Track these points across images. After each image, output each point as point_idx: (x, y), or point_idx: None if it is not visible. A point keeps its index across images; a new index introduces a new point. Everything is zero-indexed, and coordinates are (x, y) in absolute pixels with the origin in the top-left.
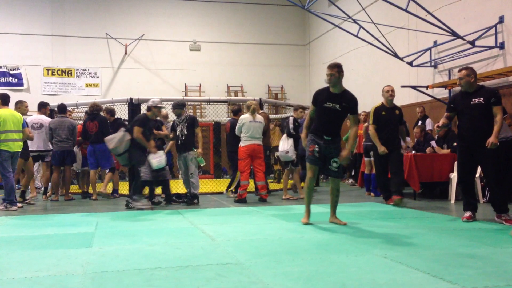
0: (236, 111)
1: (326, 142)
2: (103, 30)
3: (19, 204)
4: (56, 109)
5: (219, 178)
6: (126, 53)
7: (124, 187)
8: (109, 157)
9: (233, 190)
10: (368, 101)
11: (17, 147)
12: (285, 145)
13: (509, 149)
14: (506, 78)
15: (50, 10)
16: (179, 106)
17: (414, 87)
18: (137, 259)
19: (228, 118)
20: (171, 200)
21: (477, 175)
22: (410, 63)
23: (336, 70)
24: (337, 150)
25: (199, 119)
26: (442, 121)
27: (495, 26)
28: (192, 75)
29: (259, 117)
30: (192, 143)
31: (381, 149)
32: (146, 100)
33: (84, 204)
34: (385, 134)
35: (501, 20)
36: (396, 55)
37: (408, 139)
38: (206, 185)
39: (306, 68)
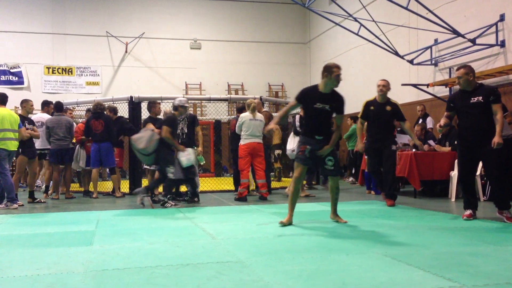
0: (241, 109)
1: (318, 141)
2: (103, 28)
3: (19, 202)
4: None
5: (219, 176)
6: (126, 51)
7: (125, 185)
8: (113, 155)
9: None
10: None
11: (13, 146)
12: (291, 143)
13: (510, 147)
14: (507, 76)
15: (50, 8)
16: (183, 107)
17: (414, 85)
18: (138, 258)
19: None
20: (195, 196)
21: (477, 173)
22: (411, 61)
23: (340, 71)
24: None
25: (199, 118)
26: (443, 121)
27: (496, 24)
28: (192, 73)
29: (259, 115)
30: (192, 142)
31: (359, 146)
32: (147, 99)
33: (85, 202)
34: (373, 130)
35: (502, 18)
36: (396, 53)
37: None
38: (206, 184)
39: (306, 66)
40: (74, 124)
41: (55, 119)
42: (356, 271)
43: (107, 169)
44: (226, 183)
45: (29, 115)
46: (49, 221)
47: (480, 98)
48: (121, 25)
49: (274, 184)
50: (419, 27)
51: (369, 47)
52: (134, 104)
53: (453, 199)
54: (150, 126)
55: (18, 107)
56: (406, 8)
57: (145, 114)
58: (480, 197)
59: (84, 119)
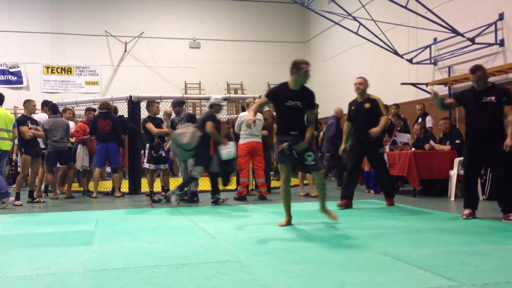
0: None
1: (293, 136)
2: (102, 27)
3: (18, 202)
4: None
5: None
6: (125, 51)
7: (124, 185)
8: (118, 155)
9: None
10: None
11: (6, 145)
12: None
13: None
14: (506, 75)
15: (49, 7)
16: (179, 104)
17: (414, 84)
18: (137, 257)
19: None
20: (195, 196)
21: None
22: (410, 60)
23: (309, 68)
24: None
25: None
26: (448, 101)
27: (495, 23)
28: (191, 73)
29: (258, 115)
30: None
31: (341, 147)
32: (146, 98)
33: (84, 202)
34: (356, 131)
35: (501, 17)
36: (396, 52)
37: (408, 136)
38: (206, 183)
39: None
40: (71, 125)
41: (52, 121)
42: (355, 270)
43: (108, 169)
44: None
45: (32, 115)
46: (49, 221)
47: (493, 98)
48: (120, 25)
49: (274, 183)
50: (418, 26)
51: (369, 46)
52: (133, 104)
53: (452, 198)
54: (150, 125)
55: (17, 107)
56: (405, 7)
57: (144, 113)
58: (479, 196)
59: (83, 118)
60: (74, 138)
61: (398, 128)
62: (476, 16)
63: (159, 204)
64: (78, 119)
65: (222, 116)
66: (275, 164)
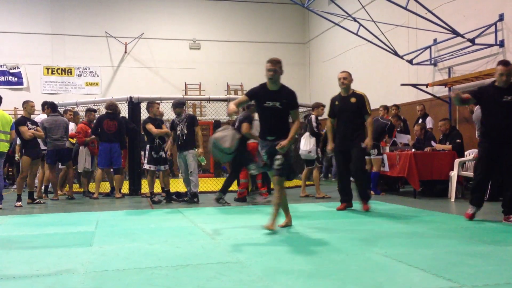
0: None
1: (269, 142)
2: (102, 28)
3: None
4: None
5: (219, 177)
6: (126, 52)
7: (124, 186)
8: (121, 156)
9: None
10: None
11: (3, 147)
12: (307, 144)
13: None
14: None
15: (49, 8)
16: (179, 105)
17: (414, 85)
18: (138, 258)
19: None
20: (195, 197)
21: None
22: (410, 61)
23: (279, 66)
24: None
25: (199, 118)
26: (466, 95)
27: (495, 24)
28: (192, 74)
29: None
30: (192, 142)
31: (329, 147)
32: (146, 99)
33: (85, 203)
34: (340, 128)
35: (501, 18)
36: (396, 53)
37: (408, 136)
38: (206, 184)
39: (305, 67)
40: (72, 126)
41: (51, 120)
42: (355, 271)
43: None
44: None
45: (31, 116)
46: (49, 222)
47: None
48: (120, 26)
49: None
50: (418, 27)
51: (368, 47)
52: (133, 105)
53: (452, 199)
54: (150, 126)
55: (17, 108)
56: (405, 8)
57: (144, 114)
58: None
59: (84, 120)
60: (75, 139)
61: (398, 129)
62: (476, 17)
63: (159, 205)
64: (81, 119)
65: (223, 117)
66: None
